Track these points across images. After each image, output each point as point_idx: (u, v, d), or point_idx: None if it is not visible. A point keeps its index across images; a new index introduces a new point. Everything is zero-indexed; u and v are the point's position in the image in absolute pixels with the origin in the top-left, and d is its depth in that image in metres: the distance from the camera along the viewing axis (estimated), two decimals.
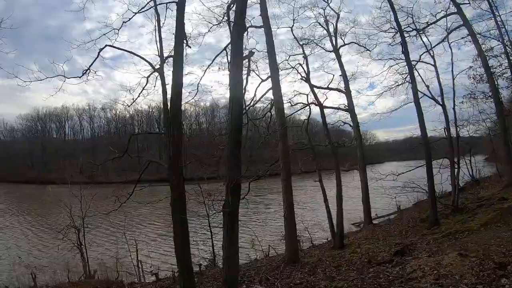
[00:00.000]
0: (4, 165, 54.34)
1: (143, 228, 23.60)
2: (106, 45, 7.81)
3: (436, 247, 8.74)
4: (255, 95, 11.61)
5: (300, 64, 15.69)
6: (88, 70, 8.05)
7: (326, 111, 15.21)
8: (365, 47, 19.11)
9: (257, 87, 11.27)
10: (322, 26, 19.06)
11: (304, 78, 15.30)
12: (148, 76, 8.24)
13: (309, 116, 14.40)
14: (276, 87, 10.10)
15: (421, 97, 13.84)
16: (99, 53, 7.79)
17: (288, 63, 16.32)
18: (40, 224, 24.72)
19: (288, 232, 9.53)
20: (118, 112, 79.85)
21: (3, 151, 66.22)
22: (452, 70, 16.30)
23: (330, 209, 12.74)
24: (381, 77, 18.29)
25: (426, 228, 12.72)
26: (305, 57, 15.61)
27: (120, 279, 11.85)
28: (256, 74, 10.84)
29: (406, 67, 14.78)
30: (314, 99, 14.65)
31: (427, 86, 16.01)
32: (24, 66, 7.77)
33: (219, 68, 11.10)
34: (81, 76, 8.11)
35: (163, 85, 7.40)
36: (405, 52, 12.74)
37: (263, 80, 11.03)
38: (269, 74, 10.32)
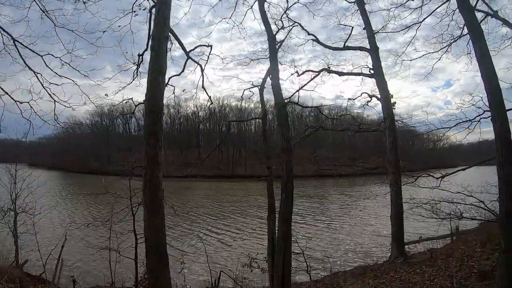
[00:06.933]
0: (70, 157, 59.13)
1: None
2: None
3: None
4: None
5: None
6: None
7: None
8: None
9: None
10: None
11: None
12: None
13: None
14: None
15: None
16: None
17: None
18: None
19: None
20: (180, 108, 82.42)
21: (71, 144, 72.90)
22: None
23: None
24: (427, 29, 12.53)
25: None
26: None
27: (43, 276, 10.95)
28: None
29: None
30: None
31: None
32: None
33: None
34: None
35: None
36: None
37: None
38: None
